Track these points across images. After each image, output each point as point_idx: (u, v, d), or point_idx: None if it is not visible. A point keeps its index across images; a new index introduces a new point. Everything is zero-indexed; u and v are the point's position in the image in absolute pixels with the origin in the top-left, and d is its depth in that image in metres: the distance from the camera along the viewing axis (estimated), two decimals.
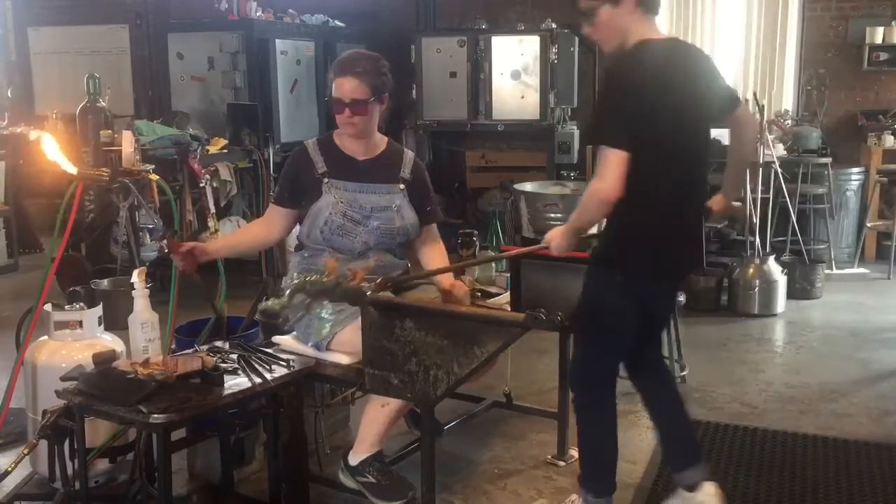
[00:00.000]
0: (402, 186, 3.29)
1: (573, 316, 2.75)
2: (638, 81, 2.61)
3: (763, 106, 6.24)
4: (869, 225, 7.23)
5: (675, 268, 2.94)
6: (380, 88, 3.17)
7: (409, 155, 3.40)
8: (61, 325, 3.17)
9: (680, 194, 2.76)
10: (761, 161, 6.11)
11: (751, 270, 5.88)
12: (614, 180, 2.57)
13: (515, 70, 7.87)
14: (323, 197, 3.17)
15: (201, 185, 5.97)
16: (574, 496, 3.16)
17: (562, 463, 3.60)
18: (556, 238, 2.87)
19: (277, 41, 7.50)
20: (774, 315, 5.80)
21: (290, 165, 3.36)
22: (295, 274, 3.25)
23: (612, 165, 2.57)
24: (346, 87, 3.12)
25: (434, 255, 3.41)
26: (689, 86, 2.71)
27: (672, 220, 2.77)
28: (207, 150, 6.54)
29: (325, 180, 3.19)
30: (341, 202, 3.16)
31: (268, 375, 2.74)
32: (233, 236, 3.30)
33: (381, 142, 3.34)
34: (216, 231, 3.76)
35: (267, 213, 3.42)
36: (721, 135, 7.03)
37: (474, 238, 3.97)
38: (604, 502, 2.95)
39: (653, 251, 2.77)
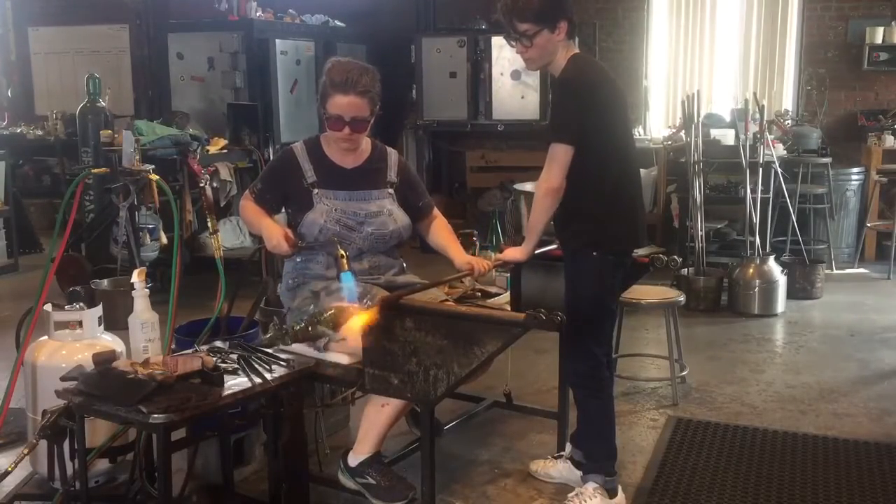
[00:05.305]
0: (390, 191, 3.29)
1: (568, 311, 2.87)
2: (592, 82, 2.97)
3: (763, 106, 6.24)
4: (869, 225, 7.23)
5: (642, 235, 3.21)
6: (377, 102, 3.15)
7: (393, 156, 3.38)
8: (61, 325, 3.16)
9: (633, 173, 3.17)
10: (761, 161, 6.11)
11: (751, 270, 5.88)
12: (558, 172, 2.90)
13: (515, 70, 7.87)
14: (315, 207, 3.16)
15: (201, 185, 5.97)
16: (574, 492, 3.17)
17: None
18: (513, 251, 3.15)
19: (277, 41, 7.51)
20: (774, 315, 5.80)
21: (276, 169, 3.32)
22: (290, 281, 3.25)
23: (557, 159, 2.91)
24: (347, 105, 3.08)
25: (441, 233, 3.43)
26: (617, 84, 3.12)
27: (632, 195, 3.11)
28: (207, 150, 6.55)
29: (315, 191, 3.18)
30: (335, 210, 3.16)
31: (268, 375, 2.74)
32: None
33: (366, 145, 3.32)
34: (216, 231, 3.75)
35: (251, 204, 3.24)
36: (723, 135, 7.11)
37: (474, 238, 3.97)
38: (616, 478, 3.18)
39: (629, 225, 3.09)
